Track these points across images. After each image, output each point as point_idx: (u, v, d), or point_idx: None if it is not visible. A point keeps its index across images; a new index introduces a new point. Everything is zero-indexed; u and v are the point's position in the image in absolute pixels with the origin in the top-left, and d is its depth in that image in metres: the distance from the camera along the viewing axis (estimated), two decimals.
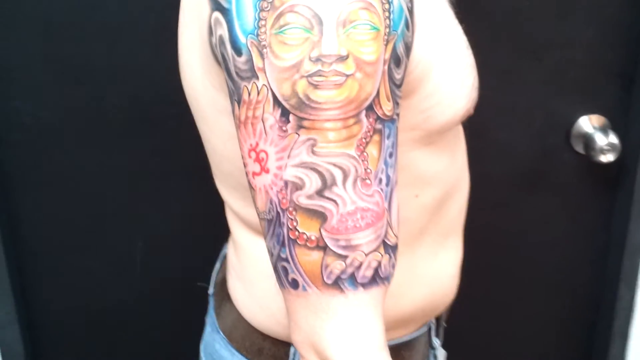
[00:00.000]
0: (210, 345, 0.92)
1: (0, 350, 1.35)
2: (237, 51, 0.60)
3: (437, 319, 0.93)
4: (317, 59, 0.57)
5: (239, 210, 0.82)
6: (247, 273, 0.85)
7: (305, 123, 0.58)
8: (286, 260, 0.62)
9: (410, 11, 0.63)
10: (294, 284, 0.62)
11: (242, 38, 0.59)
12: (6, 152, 1.32)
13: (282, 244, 0.61)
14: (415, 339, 0.86)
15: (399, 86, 0.62)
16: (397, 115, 0.62)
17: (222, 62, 0.62)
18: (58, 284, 1.43)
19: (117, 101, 1.31)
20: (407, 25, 0.62)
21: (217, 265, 1.00)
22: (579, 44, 1.36)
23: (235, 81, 0.60)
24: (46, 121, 1.31)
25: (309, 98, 0.57)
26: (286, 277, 0.62)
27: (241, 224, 0.83)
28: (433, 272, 0.84)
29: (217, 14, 0.61)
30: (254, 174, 0.61)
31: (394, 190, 0.63)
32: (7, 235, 1.33)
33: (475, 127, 1.43)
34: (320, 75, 0.57)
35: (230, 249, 0.91)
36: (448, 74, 0.69)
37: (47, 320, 1.44)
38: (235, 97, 0.61)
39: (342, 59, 0.57)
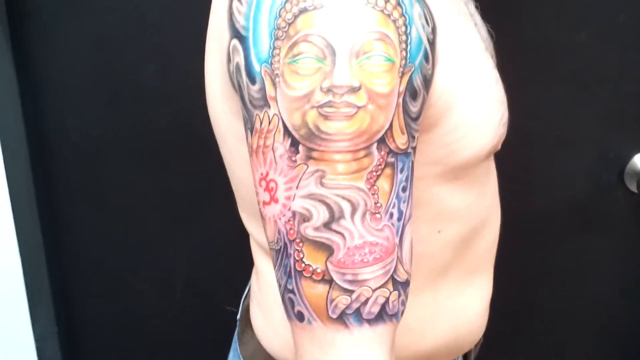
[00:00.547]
0: None
1: None
2: (252, 79, 0.59)
3: (465, 357, 0.90)
4: (329, 90, 0.56)
5: (257, 237, 0.81)
6: (266, 301, 0.84)
7: (315, 154, 0.57)
8: (292, 292, 0.61)
9: (432, 43, 0.62)
10: (300, 317, 0.61)
11: (256, 66, 0.59)
12: (54, 168, 1.35)
13: (289, 276, 0.60)
14: None
15: (415, 119, 0.60)
16: (413, 149, 0.61)
17: (237, 89, 0.62)
18: (100, 299, 1.45)
19: (163, 122, 1.33)
20: (426, 58, 0.60)
21: (246, 291, 0.99)
22: (634, 79, 1.31)
23: (249, 109, 0.60)
24: (94, 139, 1.34)
25: (318, 129, 0.57)
26: (292, 309, 0.61)
27: (260, 251, 0.83)
28: (458, 308, 0.81)
29: (235, 42, 0.61)
30: (264, 203, 0.61)
31: (407, 225, 0.61)
32: (52, 248, 1.36)
33: (527, 161, 1.41)
34: (331, 106, 0.56)
35: (253, 276, 0.90)
36: (473, 109, 0.67)
37: (87, 334, 1.46)
38: (249, 125, 0.60)
39: (354, 90, 0.56)
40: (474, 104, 0.67)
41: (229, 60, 0.63)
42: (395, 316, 0.61)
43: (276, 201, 0.60)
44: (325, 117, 0.56)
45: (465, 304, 0.82)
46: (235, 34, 0.61)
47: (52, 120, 1.33)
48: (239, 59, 0.61)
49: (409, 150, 0.60)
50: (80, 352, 1.47)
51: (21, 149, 1.26)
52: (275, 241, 0.61)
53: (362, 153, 0.57)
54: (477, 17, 0.77)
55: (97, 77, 1.30)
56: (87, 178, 1.37)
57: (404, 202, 0.60)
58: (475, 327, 0.84)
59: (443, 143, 0.67)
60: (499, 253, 0.86)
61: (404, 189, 0.60)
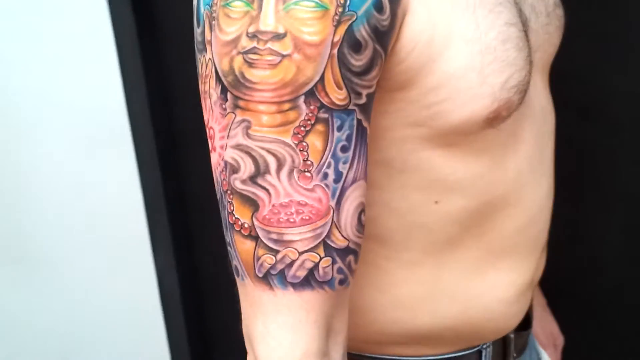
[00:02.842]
0: None
1: (160, 295, 1.47)
2: (197, 22, 0.58)
3: (505, 348, 0.82)
4: (254, 35, 0.53)
5: None
6: None
7: (241, 103, 0.54)
8: (229, 245, 0.59)
9: None
10: (236, 271, 0.59)
11: (202, 8, 0.57)
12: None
13: (226, 228, 0.59)
14: None
15: (359, 74, 0.55)
16: (360, 106, 0.55)
17: None
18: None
19: None
20: (378, 7, 0.54)
21: None
22: None
23: (195, 53, 0.59)
24: None
25: (243, 76, 0.54)
26: (231, 263, 0.60)
27: None
28: (473, 292, 0.73)
29: None
30: (210, 151, 0.59)
31: (350, 188, 0.56)
32: (173, 185, 1.43)
33: None
34: (255, 53, 0.53)
35: None
36: (460, 67, 0.60)
37: (206, 267, 1.53)
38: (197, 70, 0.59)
39: (279, 37, 0.53)
40: (461, 63, 0.60)
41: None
42: (329, 284, 0.57)
43: (214, 150, 0.58)
44: (250, 65, 0.53)
45: (484, 288, 0.74)
46: None
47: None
48: (195, 1, 0.59)
49: (351, 107, 0.55)
50: (199, 283, 1.55)
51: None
52: (216, 191, 0.59)
53: (287, 105, 0.53)
54: None
55: None
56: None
57: (344, 162, 0.56)
58: (498, 315, 0.76)
59: (424, 104, 0.61)
60: None
61: (343, 149, 0.55)
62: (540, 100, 0.73)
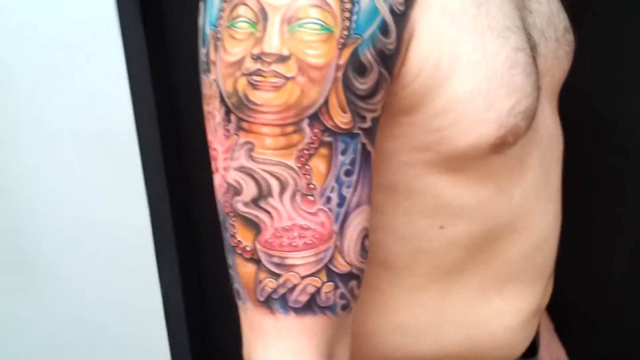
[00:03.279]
0: None
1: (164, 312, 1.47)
2: (203, 42, 0.58)
3: None
4: (258, 57, 0.53)
5: None
6: None
7: (244, 125, 0.54)
8: (231, 268, 0.58)
9: (401, 14, 0.55)
10: (237, 295, 0.59)
11: (207, 29, 0.57)
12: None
13: (228, 250, 0.58)
14: None
15: (364, 98, 0.54)
16: (365, 130, 0.55)
17: None
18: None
19: None
20: (384, 31, 0.54)
21: None
22: None
23: (199, 73, 0.58)
24: None
25: (247, 98, 0.53)
26: (232, 286, 0.59)
27: None
28: (477, 319, 0.72)
29: (201, 4, 0.60)
30: (213, 172, 0.59)
31: (353, 212, 0.56)
32: (178, 199, 1.43)
33: None
34: (259, 75, 0.53)
35: None
36: (467, 92, 0.59)
37: (212, 283, 1.53)
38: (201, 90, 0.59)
39: (283, 59, 0.52)
40: (467, 87, 0.59)
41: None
42: (331, 309, 0.56)
43: (217, 171, 0.58)
44: (254, 86, 0.53)
45: (489, 314, 0.73)
46: None
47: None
48: (201, 21, 0.59)
49: (356, 130, 0.54)
50: (205, 300, 1.54)
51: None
52: (219, 213, 0.59)
53: (290, 128, 0.53)
54: None
55: None
56: None
57: (348, 187, 0.55)
58: (504, 343, 0.75)
59: (431, 128, 0.60)
60: None
61: (347, 173, 0.55)
62: (548, 126, 0.72)
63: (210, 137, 0.58)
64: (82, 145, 1.36)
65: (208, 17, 0.57)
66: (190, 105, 1.36)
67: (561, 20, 0.73)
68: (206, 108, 0.57)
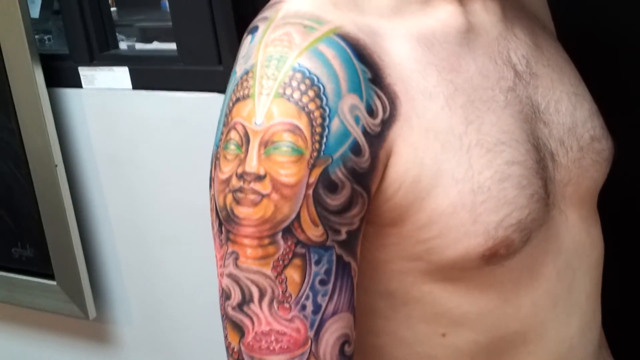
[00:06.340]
0: None
1: None
2: (211, 161, 0.64)
3: None
4: (241, 176, 0.59)
5: None
6: None
7: (231, 236, 0.60)
8: None
9: (377, 135, 0.59)
10: None
11: (214, 149, 0.64)
12: None
13: (225, 349, 0.63)
14: None
15: (336, 212, 0.58)
16: (340, 242, 0.59)
17: None
18: None
19: None
20: (356, 151, 0.58)
21: None
22: None
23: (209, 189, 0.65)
24: None
25: (233, 212, 0.59)
26: None
27: None
28: None
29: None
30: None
31: (329, 320, 0.59)
32: None
33: None
34: (241, 192, 0.59)
35: None
36: (450, 206, 0.61)
37: None
38: None
39: (260, 178, 0.58)
40: (450, 201, 0.61)
41: None
42: None
43: (218, 276, 0.63)
44: (237, 202, 0.59)
45: None
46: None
47: None
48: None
49: (329, 243, 0.58)
50: None
51: None
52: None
53: (267, 240, 0.58)
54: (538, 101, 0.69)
55: None
56: None
57: (323, 295, 0.59)
58: None
59: (419, 239, 0.63)
60: None
61: (322, 282, 0.59)
62: (574, 235, 0.71)
63: (214, 244, 0.64)
64: None
65: (216, 138, 0.64)
66: None
67: (588, 129, 0.72)
68: (210, 219, 0.64)
